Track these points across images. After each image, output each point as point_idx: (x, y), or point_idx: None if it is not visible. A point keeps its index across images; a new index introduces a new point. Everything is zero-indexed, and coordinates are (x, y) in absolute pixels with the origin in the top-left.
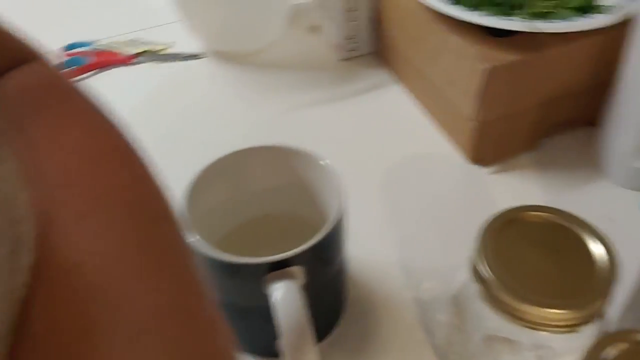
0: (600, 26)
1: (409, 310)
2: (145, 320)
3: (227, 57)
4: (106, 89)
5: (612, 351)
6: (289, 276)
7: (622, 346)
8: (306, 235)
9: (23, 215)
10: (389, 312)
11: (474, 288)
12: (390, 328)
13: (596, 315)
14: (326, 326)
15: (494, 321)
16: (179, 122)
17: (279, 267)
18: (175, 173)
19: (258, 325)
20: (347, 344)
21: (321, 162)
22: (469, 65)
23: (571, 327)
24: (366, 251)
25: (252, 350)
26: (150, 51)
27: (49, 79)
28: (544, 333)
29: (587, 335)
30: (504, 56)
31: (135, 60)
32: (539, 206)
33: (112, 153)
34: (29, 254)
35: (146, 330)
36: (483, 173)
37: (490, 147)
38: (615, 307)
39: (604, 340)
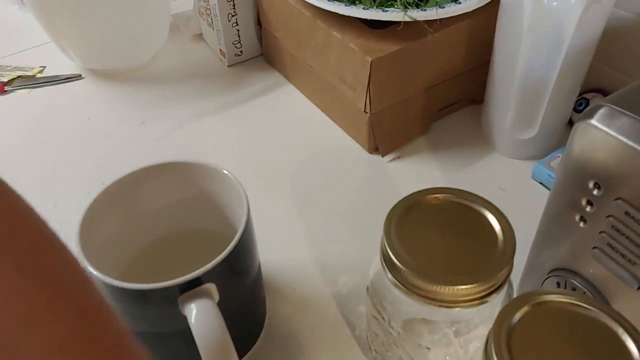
0: (470, 9)
1: (330, 307)
2: (47, 355)
3: (108, 75)
4: None
5: (517, 315)
6: (203, 295)
7: (525, 309)
8: (218, 249)
9: None
10: (311, 311)
11: (387, 277)
12: (314, 327)
13: (502, 284)
14: (249, 338)
15: (409, 306)
16: (66, 148)
17: (191, 287)
18: (70, 202)
19: (178, 349)
20: (272, 352)
21: (222, 172)
22: (353, 59)
23: (481, 299)
24: (280, 254)
25: None
26: (23, 76)
27: None
28: (458, 309)
29: (496, 303)
30: (386, 47)
31: (6, 88)
32: (436, 188)
33: None
34: None
35: None
36: (383, 162)
37: (385, 136)
38: (516, 274)
39: (508, 307)
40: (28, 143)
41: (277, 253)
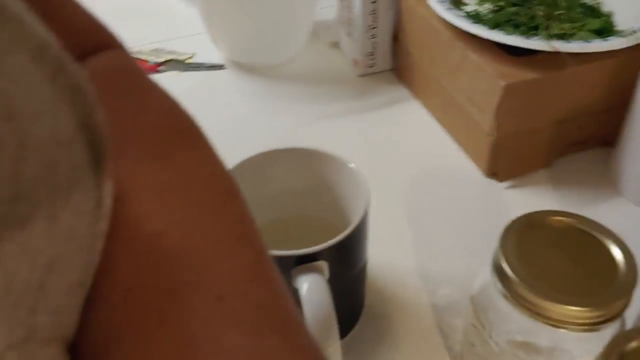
0: (617, 48)
1: (425, 315)
2: (227, 283)
3: (248, 69)
4: None
5: (627, 349)
6: (316, 270)
7: (637, 344)
8: (328, 237)
9: (106, 180)
10: (405, 315)
11: (496, 287)
12: (406, 331)
13: (616, 315)
14: (344, 327)
15: (513, 321)
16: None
17: (306, 261)
18: None
19: None
20: (363, 346)
21: (348, 165)
22: (487, 81)
23: (590, 326)
24: (385, 257)
25: None
26: (174, 60)
27: (126, 66)
28: (564, 331)
29: (605, 336)
30: (522, 74)
31: (159, 68)
32: (562, 212)
33: (186, 133)
34: (107, 215)
35: (230, 293)
36: (499, 187)
37: (506, 162)
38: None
39: (620, 338)
40: None
41: (382, 254)
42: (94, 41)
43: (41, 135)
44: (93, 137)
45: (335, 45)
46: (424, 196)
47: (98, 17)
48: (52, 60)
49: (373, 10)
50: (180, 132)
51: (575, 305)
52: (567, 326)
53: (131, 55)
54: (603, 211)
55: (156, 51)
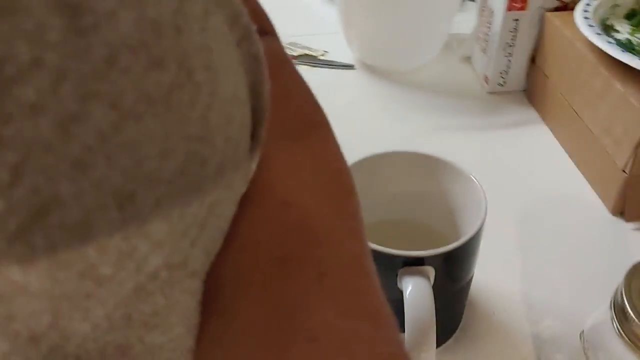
0: None
1: (524, 344)
2: (332, 265)
3: (378, 72)
4: None
5: None
6: (422, 274)
7: None
8: (435, 244)
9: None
10: (502, 340)
11: (614, 326)
12: (500, 356)
13: None
14: (439, 336)
15: None
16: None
17: (413, 264)
18: None
19: None
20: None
21: (468, 175)
22: (630, 114)
23: None
24: (491, 277)
25: None
26: (308, 55)
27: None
28: None
29: None
30: None
31: (294, 61)
32: None
33: (322, 125)
34: (251, 174)
35: (332, 274)
36: (626, 227)
37: (637, 201)
38: None
39: None
40: None
41: (489, 275)
42: (258, 24)
43: (227, 90)
44: (259, 104)
45: (467, 60)
46: (540, 223)
47: (259, 2)
48: (242, 27)
49: (514, 28)
50: (317, 123)
51: None
52: None
53: (281, 44)
54: None
55: (292, 44)
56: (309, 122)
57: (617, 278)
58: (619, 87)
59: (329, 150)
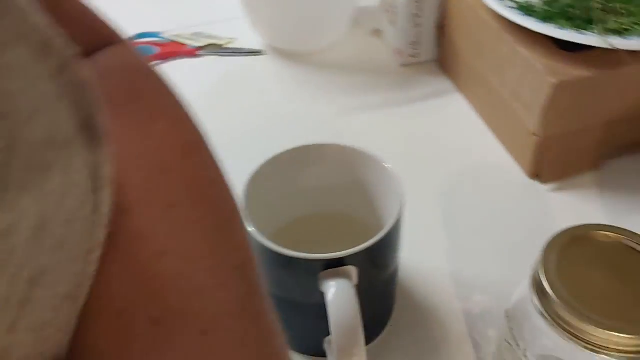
0: None
1: (458, 322)
2: (214, 316)
3: (288, 55)
4: (172, 78)
5: None
6: (344, 275)
7: None
8: (359, 237)
9: (105, 185)
10: (436, 322)
11: (534, 304)
12: (436, 338)
13: None
14: (372, 331)
15: (551, 340)
16: (239, 116)
17: (334, 265)
18: (234, 165)
19: (308, 322)
20: (391, 352)
21: (384, 165)
22: (536, 78)
23: (635, 354)
24: (417, 258)
25: (299, 348)
26: (213, 45)
27: (133, 64)
28: (604, 356)
29: None
30: (573, 71)
31: (199, 52)
32: (608, 226)
33: (196, 148)
34: (105, 223)
35: (214, 328)
36: (542, 189)
37: (551, 163)
38: None
39: None
40: (208, 105)
41: (415, 257)
42: (97, 37)
43: (34, 136)
44: (93, 140)
45: (377, 33)
46: (461, 196)
47: (100, 12)
48: (55, 56)
49: None
50: (189, 146)
51: (620, 332)
52: (609, 352)
53: (135, 50)
54: None
55: (195, 35)
56: (181, 146)
57: (541, 243)
58: (523, 51)
59: (208, 177)
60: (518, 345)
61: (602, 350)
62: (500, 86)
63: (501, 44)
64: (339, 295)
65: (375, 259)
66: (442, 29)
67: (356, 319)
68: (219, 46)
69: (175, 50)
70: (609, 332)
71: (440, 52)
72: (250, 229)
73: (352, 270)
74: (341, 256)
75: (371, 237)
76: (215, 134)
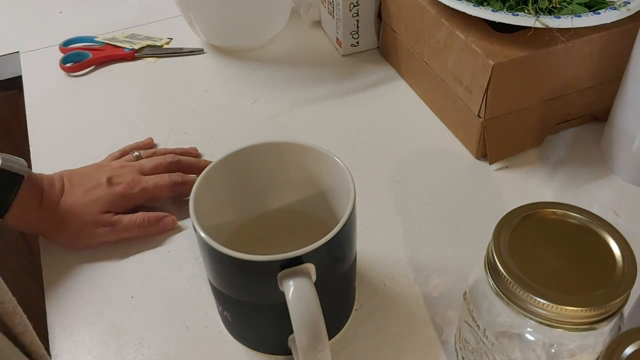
0: (608, 22)
1: (418, 307)
2: None
3: (228, 52)
4: (109, 83)
5: (630, 349)
6: (302, 274)
7: (638, 344)
8: (315, 231)
9: None
10: (399, 307)
11: (489, 284)
12: (399, 325)
13: (614, 313)
14: (335, 324)
15: (507, 318)
16: (182, 117)
17: (291, 265)
18: None
19: (271, 322)
20: (355, 342)
21: (335, 159)
22: (475, 61)
23: (589, 325)
24: (375, 247)
25: (265, 348)
26: (151, 46)
27: None
28: (560, 331)
29: (604, 333)
30: (510, 52)
31: (136, 55)
32: (555, 203)
33: None
34: None
35: None
36: (489, 169)
37: (496, 143)
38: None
39: (622, 339)
40: (149, 108)
41: (372, 245)
42: None
43: None
44: None
45: (317, 25)
46: (412, 182)
47: None
48: None
49: None
50: None
51: (572, 305)
52: (563, 326)
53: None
54: (594, 188)
55: (131, 37)
56: None
57: (493, 222)
58: (461, 35)
59: None
60: (477, 325)
61: (557, 325)
62: (441, 72)
63: (439, 30)
64: (298, 293)
65: (332, 254)
66: (380, 17)
67: (318, 315)
68: (158, 47)
69: (111, 53)
70: (562, 306)
71: (380, 41)
72: (203, 234)
73: (311, 267)
74: (298, 255)
75: (328, 231)
76: (160, 138)
